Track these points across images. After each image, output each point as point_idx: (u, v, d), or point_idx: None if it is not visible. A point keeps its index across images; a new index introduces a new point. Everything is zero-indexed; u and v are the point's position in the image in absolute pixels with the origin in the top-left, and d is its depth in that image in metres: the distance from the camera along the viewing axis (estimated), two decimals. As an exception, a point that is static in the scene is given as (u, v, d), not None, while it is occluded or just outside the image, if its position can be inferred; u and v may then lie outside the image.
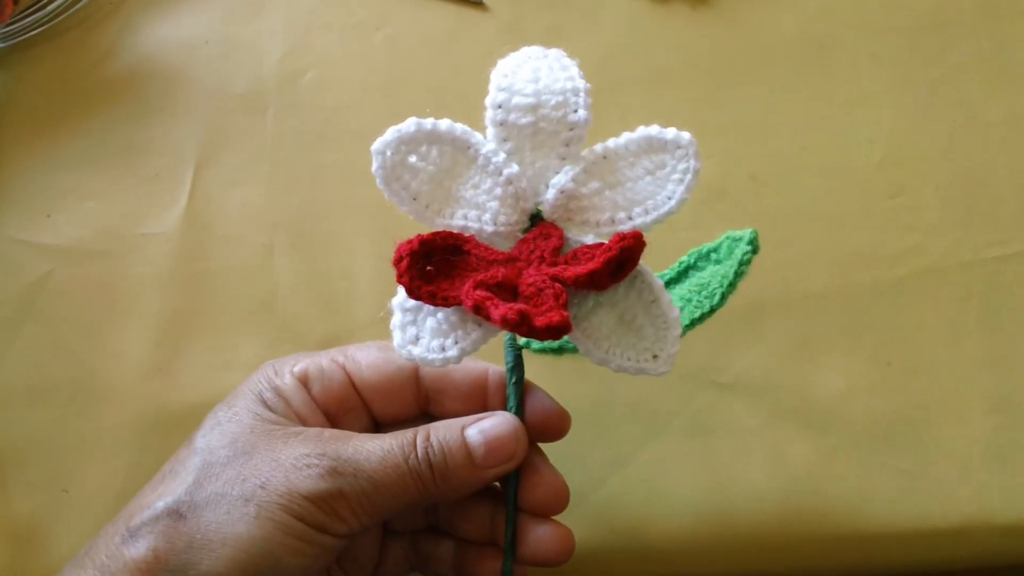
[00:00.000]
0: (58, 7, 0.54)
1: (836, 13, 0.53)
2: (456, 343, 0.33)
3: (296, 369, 0.36)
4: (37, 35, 0.54)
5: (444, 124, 0.33)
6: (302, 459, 0.32)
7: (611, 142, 0.33)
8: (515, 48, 0.53)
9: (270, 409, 0.34)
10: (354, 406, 0.36)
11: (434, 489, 0.33)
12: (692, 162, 0.33)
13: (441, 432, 0.33)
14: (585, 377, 0.45)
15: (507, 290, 0.31)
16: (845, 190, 0.49)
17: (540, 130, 0.33)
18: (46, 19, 0.54)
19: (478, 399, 0.36)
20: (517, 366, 0.35)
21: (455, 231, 0.33)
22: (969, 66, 0.51)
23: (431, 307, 0.33)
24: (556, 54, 0.34)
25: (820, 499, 0.43)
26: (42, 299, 0.48)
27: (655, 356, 0.33)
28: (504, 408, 0.35)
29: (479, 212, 0.33)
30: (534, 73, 0.33)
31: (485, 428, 0.33)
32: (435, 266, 0.32)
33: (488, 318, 0.30)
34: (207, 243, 0.49)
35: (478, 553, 0.37)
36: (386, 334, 0.47)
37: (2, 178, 0.51)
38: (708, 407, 0.45)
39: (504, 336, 0.35)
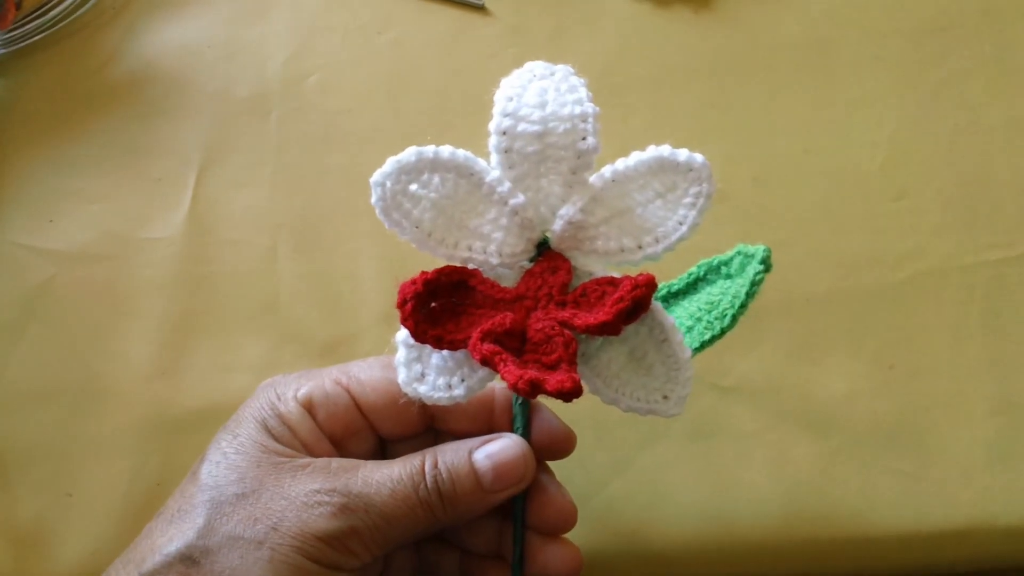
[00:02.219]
0: (61, 12, 0.54)
1: (838, 16, 0.53)
2: (463, 381, 0.32)
3: (300, 394, 0.35)
4: (40, 40, 0.54)
5: (446, 151, 0.31)
6: (312, 496, 0.31)
7: (620, 164, 0.32)
8: (516, 51, 0.53)
9: (275, 438, 0.34)
10: (360, 428, 0.36)
11: (443, 516, 0.33)
12: (705, 186, 0.32)
13: (448, 457, 0.33)
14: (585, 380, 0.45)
15: (515, 336, 0.31)
16: (847, 193, 0.49)
17: (547, 157, 0.32)
18: (49, 24, 0.54)
19: (484, 418, 0.36)
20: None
21: (459, 264, 0.32)
22: (971, 69, 0.52)
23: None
24: (563, 72, 0.33)
25: (822, 502, 0.43)
26: (46, 303, 0.48)
27: (665, 397, 0.33)
28: (510, 427, 0.35)
29: (484, 243, 0.32)
30: (540, 96, 0.32)
31: (493, 452, 0.33)
32: (440, 303, 0.32)
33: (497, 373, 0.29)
34: (211, 246, 0.49)
35: (484, 565, 0.37)
36: (389, 337, 0.47)
37: (6, 182, 0.51)
38: (709, 410, 0.45)
39: None
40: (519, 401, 0.34)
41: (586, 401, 0.45)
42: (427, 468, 0.33)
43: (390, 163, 0.31)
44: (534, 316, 0.31)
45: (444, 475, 0.32)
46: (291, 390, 0.35)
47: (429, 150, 0.31)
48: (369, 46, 0.54)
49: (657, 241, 0.32)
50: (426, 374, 0.32)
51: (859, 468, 0.43)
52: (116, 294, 0.48)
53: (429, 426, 0.37)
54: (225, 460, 0.33)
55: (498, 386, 0.36)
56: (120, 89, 0.54)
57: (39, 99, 0.53)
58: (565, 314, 0.31)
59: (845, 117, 0.51)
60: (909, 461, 0.43)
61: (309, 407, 0.35)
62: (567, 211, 0.32)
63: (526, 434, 0.34)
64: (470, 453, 0.33)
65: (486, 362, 0.29)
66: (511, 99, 0.32)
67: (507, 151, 0.32)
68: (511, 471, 0.33)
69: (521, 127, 0.31)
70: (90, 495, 0.44)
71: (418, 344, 0.32)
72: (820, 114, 0.51)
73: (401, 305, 0.31)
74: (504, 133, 0.31)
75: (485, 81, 0.33)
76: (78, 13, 0.55)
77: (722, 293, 0.36)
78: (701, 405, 0.45)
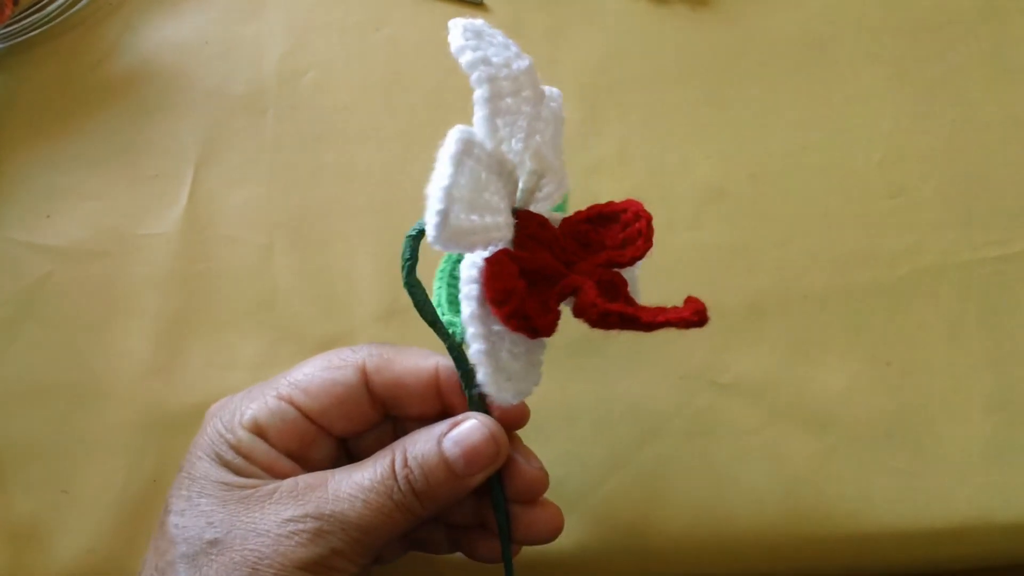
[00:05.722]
0: (58, 8, 0.54)
1: (835, 13, 0.53)
2: (534, 367, 0.31)
3: (245, 420, 0.34)
4: (37, 36, 0.54)
5: (468, 133, 0.29)
6: (285, 526, 0.31)
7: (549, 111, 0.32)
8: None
9: (233, 471, 0.33)
10: (314, 437, 0.35)
11: (423, 512, 0.32)
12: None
13: (418, 450, 0.32)
14: (584, 377, 0.45)
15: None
16: (844, 190, 0.49)
17: (521, 115, 0.31)
18: (46, 20, 0.54)
19: (432, 397, 0.35)
20: (466, 363, 0.34)
21: (485, 247, 0.30)
22: (968, 66, 0.51)
23: (502, 343, 0.30)
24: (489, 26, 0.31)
25: (819, 499, 0.43)
26: (42, 300, 0.48)
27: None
28: (463, 401, 0.34)
29: (502, 218, 0.30)
30: (505, 48, 0.30)
31: (460, 438, 0.32)
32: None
33: (651, 323, 0.28)
34: (207, 243, 0.49)
35: (471, 535, 0.37)
36: (385, 334, 0.47)
37: (2, 179, 0.51)
38: (707, 407, 0.45)
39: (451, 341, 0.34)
40: (462, 370, 0.33)
41: (585, 399, 0.45)
42: (397, 467, 0.32)
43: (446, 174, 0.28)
44: (576, 269, 0.30)
45: (416, 472, 0.32)
46: (236, 417, 0.34)
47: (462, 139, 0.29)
48: (365, 43, 0.54)
49: (563, 176, 0.32)
50: (511, 377, 0.31)
51: (856, 465, 0.43)
52: (112, 291, 0.48)
53: (385, 415, 0.36)
54: (190, 507, 0.32)
55: (440, 362, 0.35)
56: (116, 85, 0.53)
57: (35, 95, 0.53)
58: (602, 258, 0.30)
59: (842, 114, 0.51)
60: (906, 458, 0.43)
61: (258, 430, 0.34)
62: (532, 167, 0.32)
63: (482, 406, 0.34)
64: (439, 442, 0.32)
65: (629, 321, 0.28)
66: (487, 62, 0.30)
67: (494, 113, 0.30)
68: (482, 453, 0.32)
69: (506, 83, 0.30)
70: (86, 492, 0.44)
71: (492, 350, 0.30)
72: (817, 111, 0.51)
73: (510, 304, 0.28)
74: (490, 95, 0.30)
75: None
76: (75, 9, 0.55)
77: None
78: (698, 402, 0.45)
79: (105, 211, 0.50)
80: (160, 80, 0.54)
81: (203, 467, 0.33)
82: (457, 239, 0.28)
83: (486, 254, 0.30)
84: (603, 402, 0.45)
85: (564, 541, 0.41)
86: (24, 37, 0.54)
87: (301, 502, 0.31)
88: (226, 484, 0.32)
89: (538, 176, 0.32)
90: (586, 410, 0.45)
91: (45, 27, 0.54)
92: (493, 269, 0.29)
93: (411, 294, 0.33)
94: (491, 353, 0.30)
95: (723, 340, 0.46)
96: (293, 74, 0.54)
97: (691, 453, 0.44)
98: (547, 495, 0.36)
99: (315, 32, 0.55)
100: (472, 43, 0.29)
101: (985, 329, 0.46)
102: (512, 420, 0.35)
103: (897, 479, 0.43)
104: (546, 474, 0.35)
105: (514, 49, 0.31)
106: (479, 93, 0.30)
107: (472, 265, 0.30)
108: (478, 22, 0.31)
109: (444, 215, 0.27)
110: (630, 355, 0.46)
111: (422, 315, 0.33)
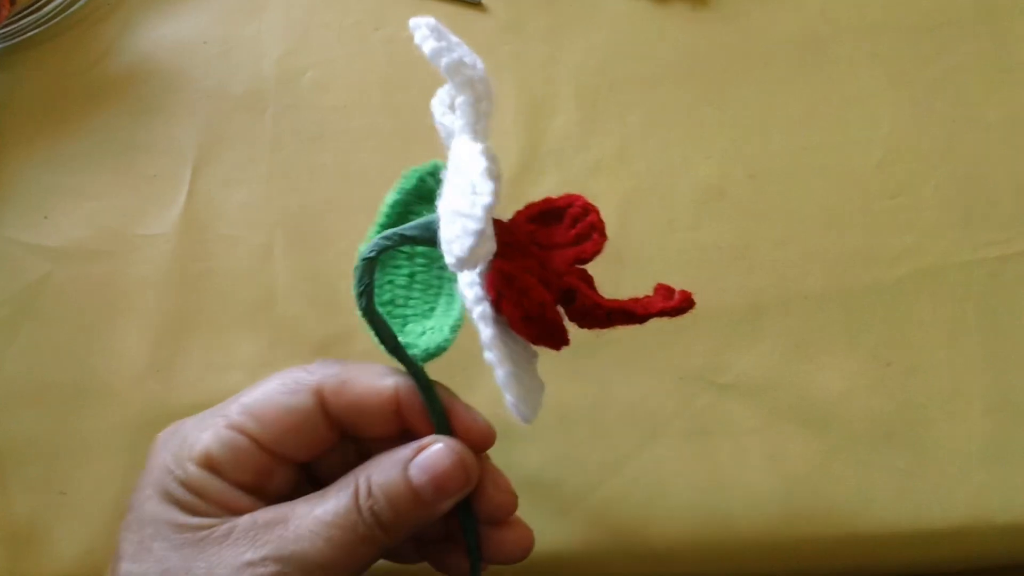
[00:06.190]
0: (56, 8, 0.54)
1: (835, 13, 0.53)
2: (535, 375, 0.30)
3: (196, 454, 0.31)
4: (35, 36, 0.54)
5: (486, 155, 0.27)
6: (244, 571, 0.29)
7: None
8: (512, 48, 0.53)
9: (186, 510, 0.31)
10: (271, 466, 0.32)
11: (388, 542, 0.31)
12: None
13: (383, 478, 0.30)
14: (583, 378, 0.45)
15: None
16: (844, 190, 0.49)
17: (487, 117, 0.29)
18: (44, 19, 0.54)
19: (394, 418, 0.33)
20: (429, 386, 0.32)
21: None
22: (968, 66, 0.51)
23: (519, 359, 0.29)
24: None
25: (819, 500, 0.43)
26: (40, 300, 0.48)
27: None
28: (424, 422, 0.33)
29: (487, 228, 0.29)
30: (461, 46, 0.28)
31: (428, 464, 0.31)
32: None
33: (645, 315, 0.27)
34: (206, 243, 0.49)
35: (439, 548, 0.36)
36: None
37: (1, 179, 0.51)
38: (707, 408, 0.45)
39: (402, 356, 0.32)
40: (426, 394, 0.32)
41: (583, 400, 0.45)
42: (361, 498, 0.30)
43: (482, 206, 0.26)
44: (549, 270, 0.29)
45: (381, 502, 0.30)
46: (185, 451, 0.32)
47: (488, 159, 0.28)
48: (364, 43, 0.54)
49: None
50: (531, 391, 0.29)
51: (856, 465, 0.43)
52: (111, 291, 0.48)
53: (343, 437, 0.34)
54: (141, 552, 0.30)
55: (400, 382, 0.33)
56: (115, 85, 0.53)
57: (34, 95, 0.53)
58: (569, 256, 0.29)
59: (842, 114, 0.51)
60: (906, 458, 0.43)
61: (209, 465, 0.31)
62: (497, 170, 0.30)
63: (446, 427, 0.32)
64: (405, 468, 0.31)
65: (627, 316, 0.28)
66: (464, 64, 0.29)
67: (477, 117, 0.29)
68: (451, 478, 0.31)
69: (480, 86, 0.29)
70: (84, 493, 0.44)
71: (516, 370, 0.29)
72: (817, 111, 0.51)
73: (547, 317, 0.27)
74: (475, 93, 0.28)
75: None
76: (73, 8, 0.54)
77: None
78: (698, 403, 0.45)
79: (104, 211, 0.50)
80: (159, 80, 0.53)
81: (153, 508, 0.31)
82: (478, 259, 0.26)
83: (479, 270, 0.29)
84: (602, 403, 0.45)
85: (564, 542, 0.42)
86: (22, 37, 0.54)
87: (260, 543, 0.29)
88: (179, 525, 0.30)
89: (501, 180, 0.31)
90: (585, 412, 0.45)
91: (43, 27, 0.54)
92: (518, 284, 0.28)
93: (371, 323, 0.31)
94: (517, 374, 0.29)
95: (723, 340, 0.46)
96: (292, 74, 0.53)
97: (690, 454, 0.44)
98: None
99: (315, 32, 0.55)
100: (444, 44, 0.28)
101: (984, 329, 0.46)
102: (478, 441, 0.33)
103: (896, 479, 0.43)
104: (515, 496, 0.34)
105: (467, 48, 0.29)
106: (464, 98, 0.28)
107: (471, 284, 0.29)
108: (433, 20, 0.29)
109: (482, 235, 0.25)
110: (629, 356, 0.46)
111: (383, 343, 0.32)
